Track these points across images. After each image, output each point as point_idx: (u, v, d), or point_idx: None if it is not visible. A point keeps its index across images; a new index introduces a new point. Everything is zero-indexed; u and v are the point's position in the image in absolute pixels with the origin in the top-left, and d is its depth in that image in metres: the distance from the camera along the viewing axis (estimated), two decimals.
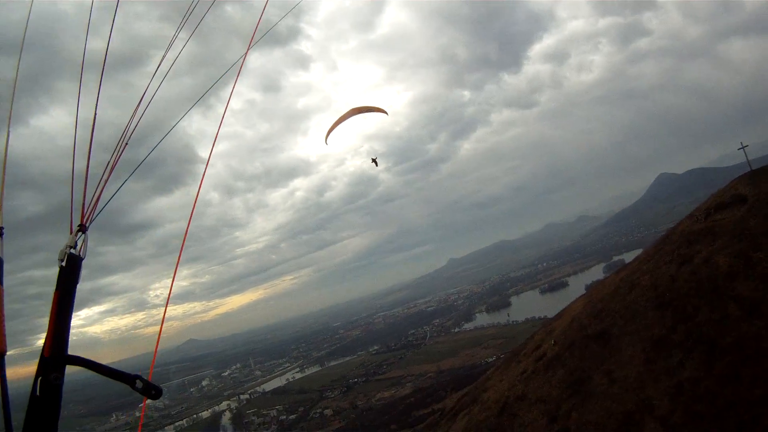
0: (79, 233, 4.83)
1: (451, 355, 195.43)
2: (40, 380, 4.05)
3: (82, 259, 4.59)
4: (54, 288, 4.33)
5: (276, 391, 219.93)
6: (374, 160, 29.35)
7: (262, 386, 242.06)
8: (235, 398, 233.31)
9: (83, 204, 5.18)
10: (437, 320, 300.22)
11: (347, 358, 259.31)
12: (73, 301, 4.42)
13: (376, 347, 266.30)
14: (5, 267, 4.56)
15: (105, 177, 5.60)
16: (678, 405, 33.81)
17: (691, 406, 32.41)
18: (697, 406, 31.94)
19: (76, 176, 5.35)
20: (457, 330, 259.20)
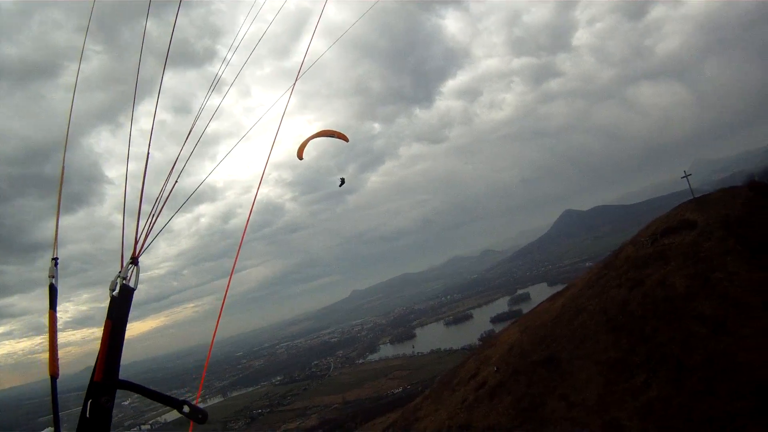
0: (131, 265, 5.34)
1: (356, 386, 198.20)
2: (90, 403, 4.48)
3: (133, 290, 5.10)
4: (105, 317, 4.82)
5: (177, 422, 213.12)
6: (342, 180, 30.04)
7: (164, 416, 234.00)
8: (135, 429, 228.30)
9: (135, 237, 5.66)
10: (341, 351, 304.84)
11: (250, 389, 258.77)
12: (124, 330, 4.86)
13: (279, 378, 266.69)
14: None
15: (158, 210, 6.17)
16: (650, 424, 36.03)
17: (665, 424, 34.77)
18: (672, 422, 34.31)
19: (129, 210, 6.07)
20: (361, 361, 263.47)
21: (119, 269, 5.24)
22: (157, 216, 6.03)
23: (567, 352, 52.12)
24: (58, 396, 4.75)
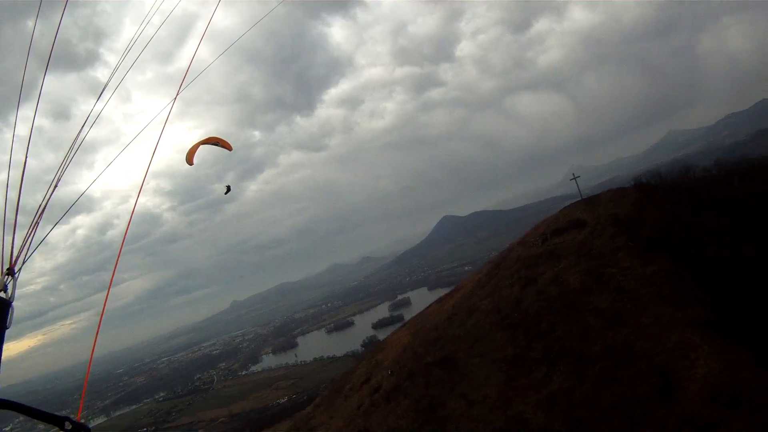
0: (8, 276, 5.28)
1: (241, 398, 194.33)
2: None
3: (10, 303, 4.92)
4: None
5: None
6: (228, 188, 29.09)
7: None
8: None
9: (12, 247, 5.62)
10: (223, 363, 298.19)
11: (134, 407, 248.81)
12: (2, 345, 4.73)
13: (162, 394, 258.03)
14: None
15: (35, 221, 6.10)
16: (555, 415, 37.14)
17: (571, 413, 35.86)
18: (578, 412, 35.41)
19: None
20: (244, 372, 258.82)
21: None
22: (36, 225, 5.95)
23: (463, 351, 53.05)
24: None
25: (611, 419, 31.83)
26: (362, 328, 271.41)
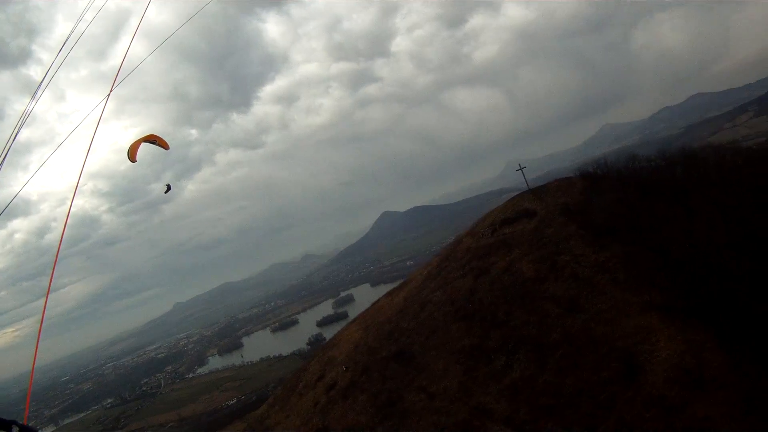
0: None
1: (190, 401, 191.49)
2: None
3: None
4: None
5: None
6: (168, 187, 28.24)
7: None
8: None
9: None
10: (170, 367, 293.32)
11: (82, 415, 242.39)
12: None
13: (110, 400, 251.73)
14: None
15: None
16: (519, 404, 37.02)
17: (536, 401, 35.76)
18: (542, 399, 35.34)
19: None
20: (191, 375, 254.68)
21: None
22: None
23: (418, 344, 52.61)
24: None
25: (577, 405, 31.90)
26: (307, 326, 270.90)
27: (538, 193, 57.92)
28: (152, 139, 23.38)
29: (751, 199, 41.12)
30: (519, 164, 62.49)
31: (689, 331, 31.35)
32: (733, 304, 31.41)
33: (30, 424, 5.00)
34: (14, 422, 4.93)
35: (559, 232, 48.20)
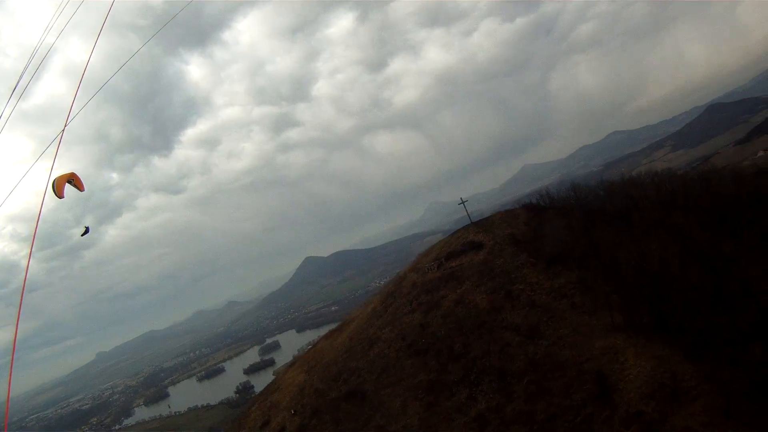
0: None
1: None
2: None
3: None
4: None
5: None
6: (86, 229, 27.27)
7: None
8: None
9: None
10: (95, 418, 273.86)
11: None
12: None
13: None
14: None
15: None
16: None
17: (507, 430, 35.41)
18: (514, 428, 34.88)
19: None
20: (118, 427, 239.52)
21: None
22: None
23: (370, 383, 51.16)
24: None
25: (552, 430, 31.53)
26: (234, 374, 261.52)
27: (482, 225, 58.56)
28: (71, 177, 22.56)
29: (693, 217, 42.96)
30: (461, 198, 63.15)
31: (655, 347, 31.90)
32: (694, 317, 32.28)
33: None
34: None
35: (510, 262, 48.65)
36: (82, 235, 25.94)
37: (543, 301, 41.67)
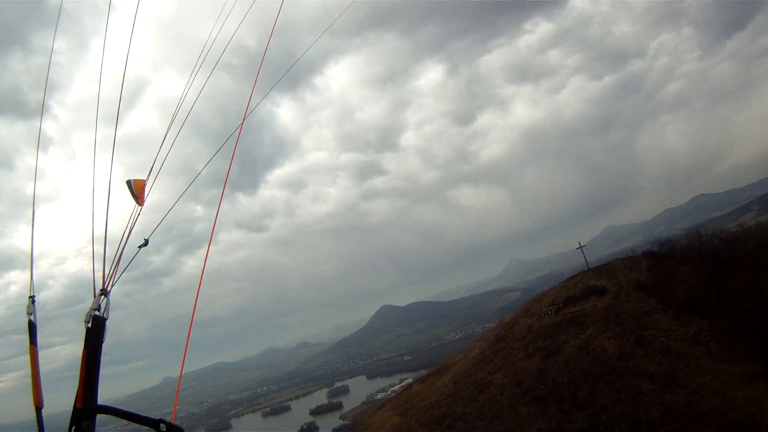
0: (102, 296, 5.86)
1: None
2: (74, 429, 4.97)
3: (105, 320, 5.62)
4: (82, 347, 5.29)
5: None
6: (146, 241, 28.10)
7: None
8: None
9: (103, 270, 6.22)
10: None
11: None
12: (100, 358, 5.41)
13: None
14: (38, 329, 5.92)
15: (123, 243, 6.59)
16: None
17: None
18: None
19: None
20: None
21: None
22: (124, 248, 6.45)
23: (480, 429, 50.16)
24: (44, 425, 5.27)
25: None
26: (300, 413, 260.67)
27: (603, 270, 57.94)
28: (144, 185, 23.61)
29: None
30: (579, 243, 62.89)
31: None
32: None
33: (176, 423, 5.21)
34: (162, 421, 5.24)
35: (637, 307, 47.81)
36: (139, 247, 27.58)
37: (677, 348, 40.62)
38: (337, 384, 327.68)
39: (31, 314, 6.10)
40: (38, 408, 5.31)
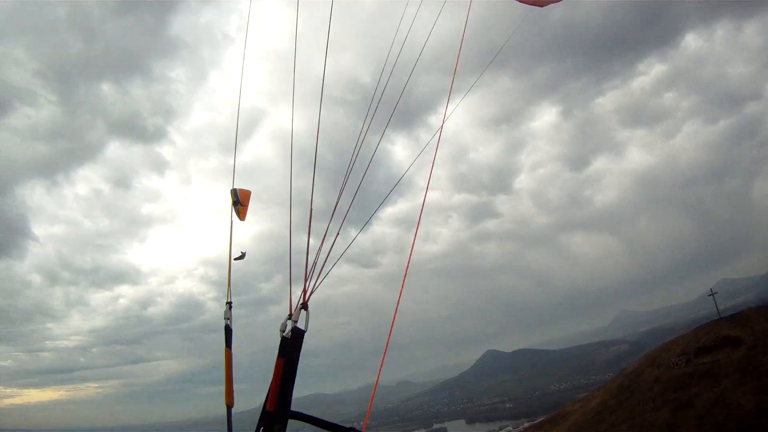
0: (303, 311, 6.66)
1: None
2: (262, 430, 6.03)
3: (304, 332, 6.54)
4: (277, 355, 6.36)
5: None
6: (242, 254, 27.18)
7: None
8: None
9: (304, 285, 7.03)
10: None
11: None
12: (296, 367, 6.49)
13: None
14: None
15: (325, 259, 7.45)
16: None
17: None
18: None
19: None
20: None
21: (288, 313, 6.73)
22: (324, 263, 7.44)
23: None
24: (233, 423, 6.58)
25: None
26: None
27: (736, 320, 53.67)
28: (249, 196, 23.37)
29: None
30: (711, 289, 58.84)
31: None
32: None
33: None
34: (353, 429, 5.67)
35: None
36: (235, 259, 27.30)
37: None
38: (436, 425, 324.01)
39: (227, 319, 7.06)
40: (229, 407, 6.37)
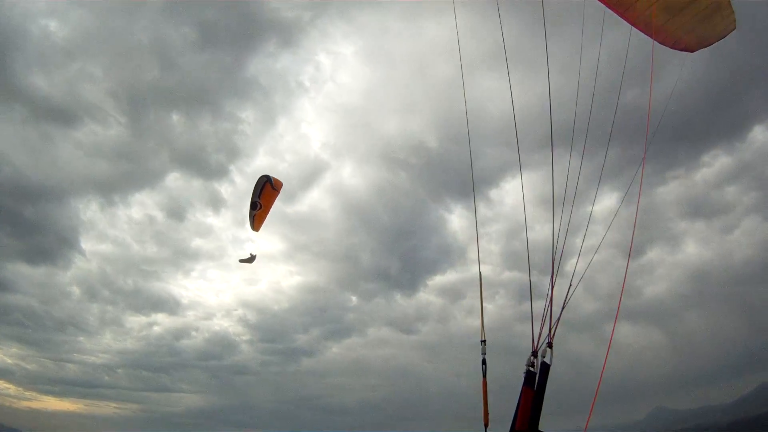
0: (548, 349, 8.44)
1: None
2: None
3: (549, 366, 8.23)
4: (522, 384, 8.23)
5: None
6: (252, 256, 21.08)
7: None
8: None
9: (550, 324, 8.84)
10: None
11: None
12: (543, 395, 8.09)
13: None
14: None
15: (567, 297, 9.53)
16: None
17: None
18: None
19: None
20: None
21: (532, 350, 8.59)
22: (565, 302, 9.29)
23: None
24: None
25: None
26: None
27: None
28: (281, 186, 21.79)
29: None
30: None
31: None
32: None
33: None
34: None
35: None
36: (241, 261, 23.50)
37: None
38: None
39: (483, 354, 9.10)
40: (486, 426, 8.00)
